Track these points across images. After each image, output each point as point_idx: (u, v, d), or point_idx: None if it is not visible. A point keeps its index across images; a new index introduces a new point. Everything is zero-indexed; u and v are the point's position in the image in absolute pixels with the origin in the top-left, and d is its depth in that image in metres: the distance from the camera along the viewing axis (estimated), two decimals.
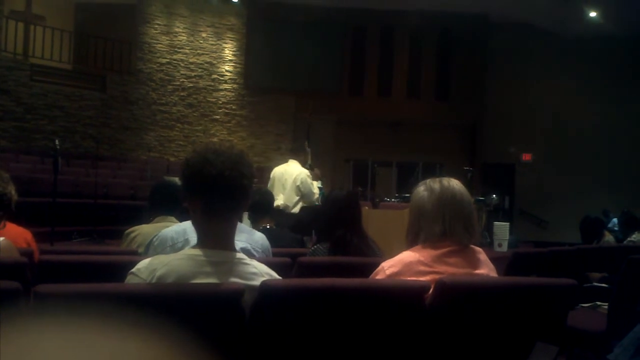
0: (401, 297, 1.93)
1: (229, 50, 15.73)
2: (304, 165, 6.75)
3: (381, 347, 1.89)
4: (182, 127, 15.29)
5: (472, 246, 2.17)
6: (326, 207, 3.43)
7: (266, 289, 1.71)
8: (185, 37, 15.45)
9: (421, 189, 2.22)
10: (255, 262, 1.87)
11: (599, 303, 4.20)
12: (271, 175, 6.65)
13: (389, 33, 16.00)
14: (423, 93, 15.96)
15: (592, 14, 14.46)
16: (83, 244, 9.16)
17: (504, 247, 7.58)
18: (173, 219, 3.43)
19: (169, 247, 2.50)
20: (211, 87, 15.57)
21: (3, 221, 3.03)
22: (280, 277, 1.91)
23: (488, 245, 7.88)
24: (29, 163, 11.79)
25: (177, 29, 15.42)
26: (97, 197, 10.38)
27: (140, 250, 3.11)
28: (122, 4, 15.03)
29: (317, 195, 6.56)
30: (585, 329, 3.66)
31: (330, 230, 3.23)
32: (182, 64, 15.40)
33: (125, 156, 14.52)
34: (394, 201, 9.80)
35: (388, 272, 2.09)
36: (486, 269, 2.15)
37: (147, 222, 3.59)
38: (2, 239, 2.66)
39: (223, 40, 15.70)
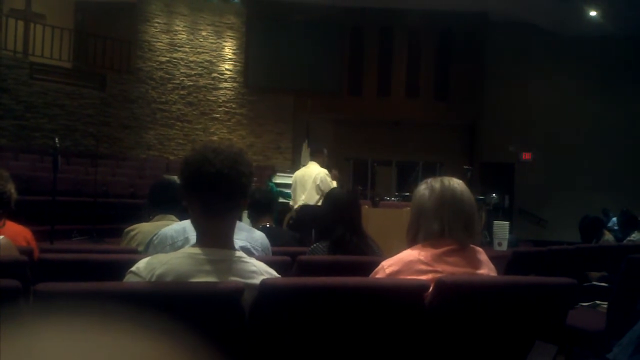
0: (401, 296, 1.93)
1: (228, 49, 15.73)
2: (322, 166, 7.06)
3: (381, 346, 1.89)
4: (182, 126, 15.29)
5: (473, 246, 2.17)
6: (326, 206, 3.43)
7: (266, 287, 1.71)
8: (185, 36, 15.44)
9: (422, 188, 2.22)
10: (254, 261, 1.87)
11: (598, 302, 4.20)
12: (292, 179, 7.11)
13: (388, 32, 15.99)
14: (422, 92, 15.96)
15: (592, 14, 14.46)
16: (83, 242, 9.15)
17: (504, 246, 7.58)
18: (173, 217, 3.43)
19: (168, 246, 2.50)
20: (211, 86, 15.56)
21: (3, 219, 3.03)
22: (279, 276, 1.91)
23: (488, 244, 7.88)
24: (29, 161, 11.78)
25: (177, 28, 15.41)
26: (97, 195, 10.37)
27: (140, 248, 3.11)
28: (122, 2, 15.03)
29: None
30: (585, 328, 3.66)
31: (330, 229, 3.23)
32: (181, 63, 15.40)
33: (125, 155, 14.51)
34: (393, 200, 9.81)
35: (388, 271, 2.09)
36: (486, 269, 2.15)
37: (147, 220, 3.59)
38: (1, 237, 2.66)
39: (223, 39, 15.69)
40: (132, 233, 3.47)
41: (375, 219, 6.17)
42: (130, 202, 10.59)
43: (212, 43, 15.62)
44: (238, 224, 1.96)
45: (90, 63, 14.39)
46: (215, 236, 1.80)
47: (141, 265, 1.74)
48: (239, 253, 1.84)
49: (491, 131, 15.74)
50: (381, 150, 15.13)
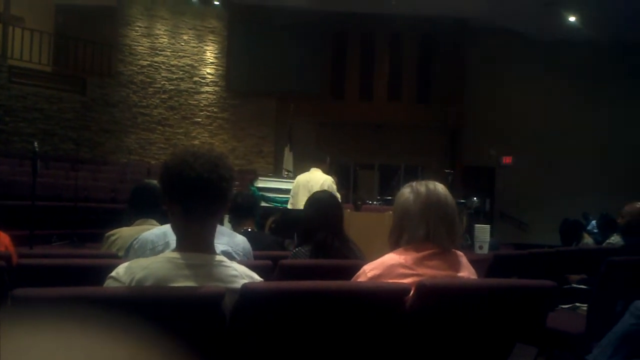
0: (382, 299, 1.93)
1: (210, 53, 15.69)
2: (326, 173, 7.22)
3: (362, 349, 1.89)
4: (163, 130, 15.22)
5: (454, 250, 2.18)
6: (308, 209, 3.42)
7: (247, 291, 1.70)
8: (166, 40, 15.39)
9: (407, 191, 2.22)
10: (235, 265, 1.86)
11: (578, 304, 4.24)
12: (295, 183, 7.22)
13: (370, 37, 16.07)
14: (404, 96, 16.05)
15: (572, 19, 14.62)
16: (63, 247, 9.07)
17: (485, 249, 7.65)
18: (154, 221, 3.41)
19: (149, 251, 2.48)
20: (192, 90, 15.52)
21: None
22: (262, 279, 1.91)
23: (469, 248, 7.95)
24: (7, 165, 11.65)
25: (158, 32, 15.35)
26: (77, 200, 10.29)
27: (120, 253, 3.09)
28: (103, 6, 14.94)
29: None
30: (565, 330, 3.69)
31: (312, 233, 3.23)
32: (163, 67, 15.34)
33: (106, 159, 14.42)
34: (376, 204, 9.84)
35: (370, 274, 2.09)
36: (467, 272, 2.16)
37: (128, 224, 3.57)
38: None
39: (204, 43, 15.66)
40: (113, 238, 3.44)
41: (357, 222, 6.19)
42: (111, 207, 10.52)
43: (193, 47, 15.58)
44: (219, 228, 1.96)
45: (71, 67, 14.29)
46: (195, 241, 1.79)
47: (121, 270, 1.72)
48: (220, 257, 1.83)
49: (472, 135, 15.85)
50: (363, 154, 15.16)
